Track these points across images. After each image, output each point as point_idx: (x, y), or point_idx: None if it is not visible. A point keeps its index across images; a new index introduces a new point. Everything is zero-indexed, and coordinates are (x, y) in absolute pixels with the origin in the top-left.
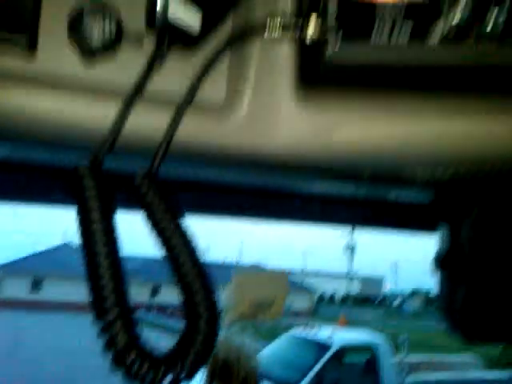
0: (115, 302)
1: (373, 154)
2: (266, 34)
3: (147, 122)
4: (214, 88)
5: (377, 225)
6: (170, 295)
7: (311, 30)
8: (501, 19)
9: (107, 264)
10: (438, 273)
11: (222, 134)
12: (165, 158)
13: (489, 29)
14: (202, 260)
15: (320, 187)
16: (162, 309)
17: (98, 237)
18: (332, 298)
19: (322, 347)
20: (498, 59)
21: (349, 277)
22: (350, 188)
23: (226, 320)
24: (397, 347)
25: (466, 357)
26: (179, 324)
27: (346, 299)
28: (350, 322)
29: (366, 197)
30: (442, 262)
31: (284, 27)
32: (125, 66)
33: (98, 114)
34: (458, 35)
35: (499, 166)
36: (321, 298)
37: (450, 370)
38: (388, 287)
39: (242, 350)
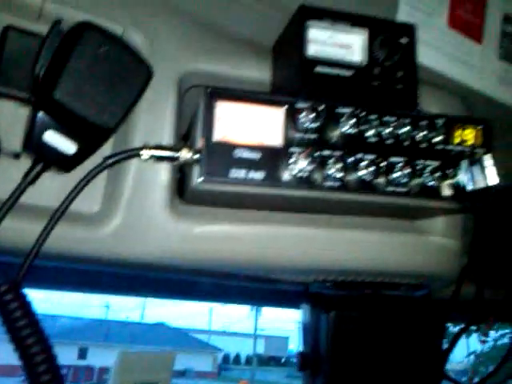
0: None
1: (243, 261)
2: (142, 156)
3: (19, 233)
4: (90, 199)
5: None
6: (62, 356)
7: (182, 159)
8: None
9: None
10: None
11: (95, 243)
12: (32, 267)
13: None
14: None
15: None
16: (90, 371)
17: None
18: (237, 357)
19: None
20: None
21: (254, 336)
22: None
23: None
24: None
25: None
26: None
27: (251, 359)
28: (255, 383)
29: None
30: (302, 364)
31: (158, 156)
32: (2, 179)
33: None
34: (304, 179)
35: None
36: (226, 358)
37: None
38: (293, 346)
39: None
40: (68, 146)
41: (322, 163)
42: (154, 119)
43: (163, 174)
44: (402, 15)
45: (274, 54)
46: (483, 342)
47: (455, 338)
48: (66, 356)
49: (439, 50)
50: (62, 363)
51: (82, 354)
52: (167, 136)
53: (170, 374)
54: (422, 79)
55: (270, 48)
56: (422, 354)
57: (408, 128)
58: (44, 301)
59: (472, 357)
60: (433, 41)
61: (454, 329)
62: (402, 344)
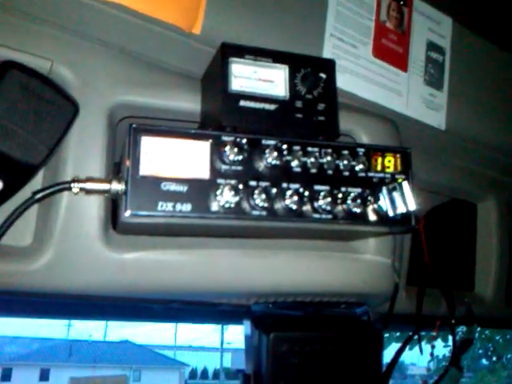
0: None
1: (180, 288)
2: (72, 189)
3: None
4: (21, 232)
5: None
6: (24, 378)
7: (113, 191)
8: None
9: None
10: None
11: (28, 276)
12: None
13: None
14: None
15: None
16: None
17: None
18: (204, 372)
19: None
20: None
21: (221, 350)
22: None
23: None
24: None
25: None
26: None
27: (218, 373)
28: None
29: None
30: (245, 382)
31: (89, 189)
32: None
33: None
34: (232, 209)
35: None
36: (193, 373)
37: None
38: None
39: None
40: None
41: (248, 193)
42: (84, 152)
43: (95, 205)
44: (328, 47)
45: (202, 85)
46: (431, 354)
47: (398, 353)
48: (27, 378)
49: (366, 79)
50: None
51: (44, 375)
52: (98, 168)
53: None
54: (353, 106)
55: (199, 79)
56: (363, 370)
57: (330, 157)
58: (3, 322)
59: (435, 361)
60: (359, 70)
61: None
62: (344, 362)
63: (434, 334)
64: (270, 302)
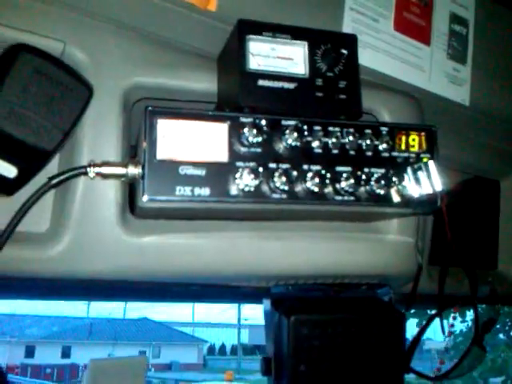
0: None
1: (199, 272)
2: (88, 174)
3: None
4: (38, 219)
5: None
6: (46, 355)
7: (130, 175)
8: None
9: None
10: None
11: (46, 262)
12: None
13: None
14: None
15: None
16: (38, 370)
17: None
18: (222, 348)
19: None
20: None
21: (238, 326)
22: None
23: None
24: None
25: None
26: None
27: (235, 349)
28: (241, 372)
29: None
30: (266, 369)
31: (105, 174)
32: None
33: None
34: (252, 193)
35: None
36: (211, 349)
37: None
38: None
39: None
40: (8, 170)
41: (268, 176)
42: (99, 135)
43: (112, 189)
44: (348, 22)
45: (218, 65)
46: (450, 333)
47: (420, 333)
48: (49, 356)
49: (387, 54)
50: (46, 363)
51: (66, 352)
52: (114, 151)
53: (143, 378)
54: (374, 83)
55: (215, 58)
56: (385, 351)
57: (353, 137)
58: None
59: (452, 336)
60: (380, 45)
61: None
62: (365, 344)
63: (454, 313)
64: (290, 284)
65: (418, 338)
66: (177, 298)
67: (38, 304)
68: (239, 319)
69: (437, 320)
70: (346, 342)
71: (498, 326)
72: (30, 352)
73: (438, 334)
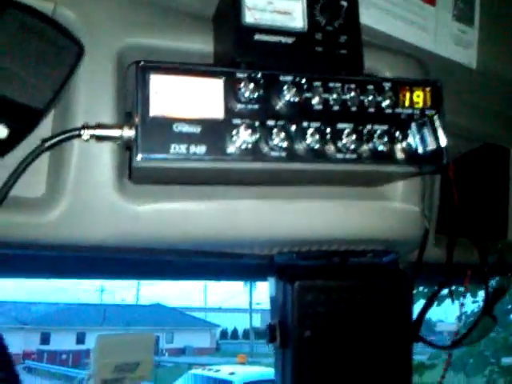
0: None
1: (200, 238)
2: (82, 137)
3: None
4: (33, 184)
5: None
6: (61, 342)
7: (125, 137)
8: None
9: None
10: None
11: (42, 228)
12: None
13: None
14: None
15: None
16: (53, 356)
17: None
18: (235, 332)
19: None
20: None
21: (250, 311)
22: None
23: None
24: None
25: None
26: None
27: (248, 333)
28: (254, 355)
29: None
30: (271, 336)
31: (100, 136)
32: None
33: None
34: (249, 151)
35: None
36: (223, 334)
37: None
38: None
39: None
40: None
41: (266, 133)
42: (94, 98)
43: (108, 153)
44: None
45: (214, 24)
46: (462, 304)
47: (429, 301)
48: (65, 342)
49: (390, 14)
50: (61, 349)
51: (81, 338)
52: (109, 115)
53: (152, 354)
54: (377, 44)
55: (210, 18)
56: (392, 319)
57: (354, 93)
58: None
59: (463, 317)
60: (383, 4)
61: None
62: (371, 311)
63: (464, 287)
64: (294, 251)
65: (427, 306)
66: (183, 275)
67: (51, 291)
68: (251, 303)
69: (448, 302)
70: (352, 308)
71: (509, 307)
72: (45, 339)
73: (451, 317)
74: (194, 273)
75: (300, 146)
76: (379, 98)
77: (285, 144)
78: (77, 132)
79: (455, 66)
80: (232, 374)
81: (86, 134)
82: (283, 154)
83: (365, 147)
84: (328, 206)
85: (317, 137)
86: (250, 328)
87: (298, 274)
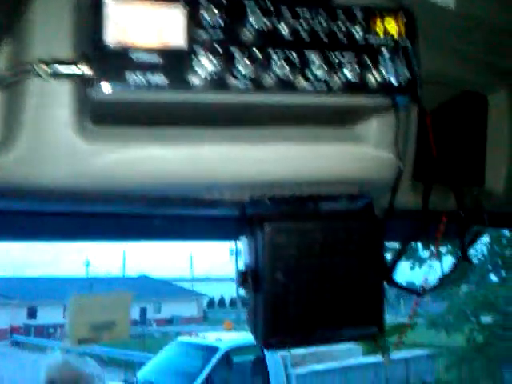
0: None
1: (168, 183)
2: (37, 73)
3: None
4: None
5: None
6: (48, 316)
7: (84, 74)
8: None
9: None
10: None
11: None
12: None
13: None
14: None
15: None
16: (41, 330)
17: None
18: (221, 301)
19: (210, 351)
20: None
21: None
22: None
23: (66, 344)
24: None
25: (347, 346)
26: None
27: (235, 302)
28: (241, 322)
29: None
30: (242, 280)
31: (55, 72)
32: None
33: None
34: (214, 81)
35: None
36: (211, 303)
37: (333, 360)
38: None
39: (80, 373)
40: None
41: (231, 62)
42: (49, 33)
43: (67, 93)
44: None
45: None
46: (437, 255)
47: (403, 246)
48: (52, 315)
49: None
50: (48, 322)
51: None
52: (65, 50)
53: (129, 312)
54: None
55: None
56: (363, 261)
57: (324, 20)
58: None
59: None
60: None
61: None
62: (343, 253)
63: (439, 235)
64: (266, 197)
65: (401, 251)
66: (157, 234)
67: (36, 266)
68: (237, 272)
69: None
70: (325, 250)
71: (489, 267)
72: (32, 313)
73: (432, 280)
74: (164, 232)
75: (267, 76)
76: (350, 26)
77: (251, 73)
78: (30, 67)
79: (432, 7)
80: (218, 340)
81: (41, 69)
82: (249, 84)
83: (335, 77)
84: (300, 148)
85: (284, 65)
86: (236, 296)
87: (268, 218)
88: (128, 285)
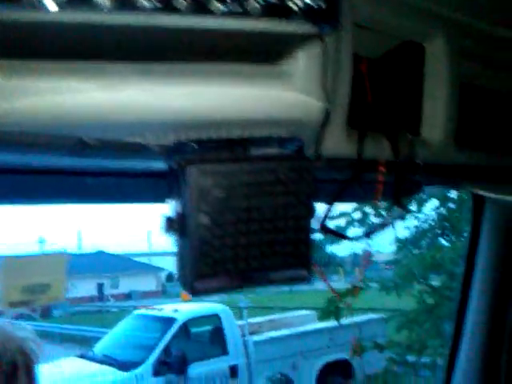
0: None
1: (82, 120)
2: None
3: None
4: None
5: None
6: None
7: None
8: None
9: None
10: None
11: None
12: None
13: None
14: None
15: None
16: None
17: None
18: None
19: (167, 323)
20: None
21: None
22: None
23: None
24: (239, 312)
25: (302, 313)
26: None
27: None
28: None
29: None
30: (168, 226)
31: None
32: None
33: None
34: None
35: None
36: (170, 277)
37: (289, 327)
38: None
39: (12, 336)
40: None
41: None
42: None
43: None
44: None
45: None
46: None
47: (338, 191)
48: None
49: None
50: None
51: None
52: None
53: (64, 274)
54: None
55: None
56: (292, 205)
57: None
58: None
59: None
60: None
61: None
62: (274, 194)
63: (379, 185)
64: (192, 140)
65: (335, 197)
66: (88, 196)
67: None
68: None
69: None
70: (254, 192)
71: (438, 231)
72: None
73: (389, 247)
74: (99, 193)
75: None
76: None
77: None
78: None
79: None
80: (175, 311)
81: None
82: (158, 3)
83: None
84: (223, 84)
85: None
86: None
87: (193, 160)
88: (84, 261)
